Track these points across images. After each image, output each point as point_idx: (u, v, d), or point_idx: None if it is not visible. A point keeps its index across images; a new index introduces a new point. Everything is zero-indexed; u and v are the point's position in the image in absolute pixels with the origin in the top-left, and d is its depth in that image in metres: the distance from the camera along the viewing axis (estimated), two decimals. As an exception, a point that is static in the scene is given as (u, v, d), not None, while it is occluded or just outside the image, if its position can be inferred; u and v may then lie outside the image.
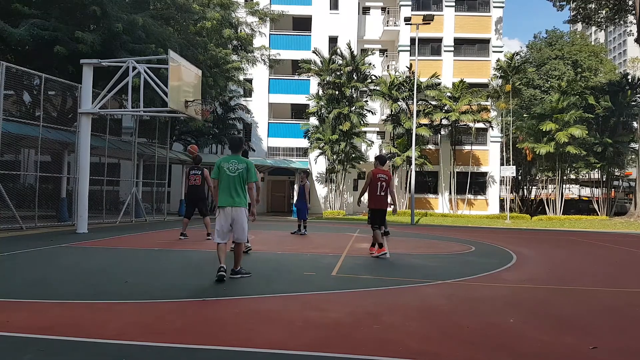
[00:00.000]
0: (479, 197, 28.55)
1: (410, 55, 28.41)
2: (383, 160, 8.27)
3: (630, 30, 32.66)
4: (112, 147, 15.08)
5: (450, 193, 28.03)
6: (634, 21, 27.79)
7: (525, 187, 37.05)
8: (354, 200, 29.29)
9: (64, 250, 8.04)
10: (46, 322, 3.64)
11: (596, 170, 30.58)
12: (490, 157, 28.64)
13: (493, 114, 28.16)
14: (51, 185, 14.17)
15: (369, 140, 26.67)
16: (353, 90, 25.33)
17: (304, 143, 27.03)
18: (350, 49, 25.26)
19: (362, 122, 25.30)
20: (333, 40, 28.20)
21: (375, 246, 8.06)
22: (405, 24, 23.97)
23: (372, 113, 26.36)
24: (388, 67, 30.27)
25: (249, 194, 5.54)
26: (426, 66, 27.40)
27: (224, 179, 5.44)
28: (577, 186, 40.83)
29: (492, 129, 28.11)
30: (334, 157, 25.31)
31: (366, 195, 8.14)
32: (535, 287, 5.73)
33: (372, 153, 29.31)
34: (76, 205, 12.20)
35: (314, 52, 26.06)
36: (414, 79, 23.20)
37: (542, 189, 33.92)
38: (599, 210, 30.53)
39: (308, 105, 26.88)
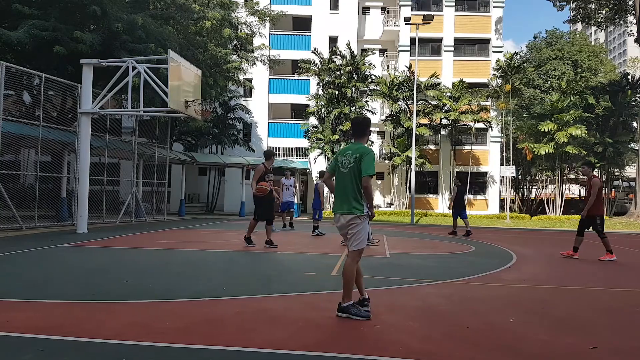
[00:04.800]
0: (478, 197, 28.54)
1: (410, 55, 28.41)
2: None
3: (631, 30, 32.66)
4: (112, 147, 15.07)
5: (450, 193, 28.02)
6: (634, 21, 27.78)
7: (525, 187, 37.07)
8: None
9: (64, 250, 8.04)
10: (46, 322, 3.64)
11: (596, 170, 30.59)
12: (490, 157, 28.64)
13: (493, 114, 28.16)
14: (51, 185, 14.17)
15: (369, 140, 26.65)
16: (353, 90, 25.32)
17: (304, 143, 27.01)
18: (350, 49, 25.25)
19: (362, 122, 25.27)
20: (333, 40, 28.20)
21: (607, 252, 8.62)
22: (405, 24, 23.98)
23: (372, 113, 26.35)
24: (388, 67, 30.27)
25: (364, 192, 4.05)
26: (426, 66, 27.39)
27: (337, 177, 4.23)
28: (577, 186, 40.83)
29: (492, 129, 28.11)
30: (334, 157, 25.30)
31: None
32: (535, 287, 5.73)
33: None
34: (76, 205, 12.19)
35: (313, 52, 26.06)
36: (414, 79, 23.20)
37: (542, 189, 33.93)
38: (599, 210, 30.49)
39: (308, 105, 26.88)
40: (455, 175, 27.66)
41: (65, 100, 14.94)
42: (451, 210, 14.35)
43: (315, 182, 12.96)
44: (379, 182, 30.34)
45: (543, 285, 5.89)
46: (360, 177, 3.99)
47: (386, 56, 31.10)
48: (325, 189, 13.49)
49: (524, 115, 31.74)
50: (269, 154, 8.91)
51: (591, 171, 8.64)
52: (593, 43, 48.92)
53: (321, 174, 13.41)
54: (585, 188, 8.83)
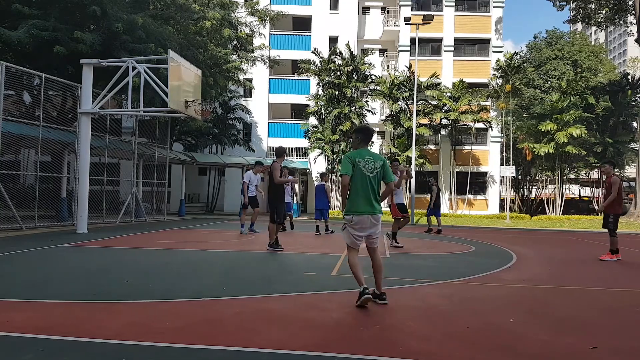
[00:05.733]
0: (478, 197, 28.54)
1: (410, 55, 28.42)
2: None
3: (630, 31, 32.63)
4: (112, 147, 15.07)
5: (450, 193, 28.03)
6: (634, 21, 27.76)
7: (525, 187, 37.08)
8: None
9: (64, 250, 8.04)
10: (46, 322, 3.64)
11: (596, 170, 30.60)
12: (490, 157, 28.64)
13: (493, 114, 28.16)
14: (51, 185, 14.17)
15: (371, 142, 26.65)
16: (353, 90, 25.33)
17: (304, 143, 27.02)
18: (350, 49, 25.26)
19: (362, 122, 25.30)
20: (333, 40, 28.21)
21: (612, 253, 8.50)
22: (405, 24, 23.98)
23: (372, 113, 26.37)
24: (388, 67, 30.28)
25: (382, 193, 4.62)
26: (426, 66, 27.40)
27: (360, 180, 4.41)
28: (577, 186, 40.85)
29: (492, 129, 28.11)
30: (334, 157, 25.33)
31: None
32: (535, 287, 5.73)
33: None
34: (76, 205, 12.20)
35: (313, 52, 26.07)
36: (414, 79, 23.21)
37: (542, 189, 33.94)
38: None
39: (308, 105, 26.89)
40: (455, 175, 27.68)
41: (65, 100, 14.95)
42: (428, 210, 15.31)
43: (320, 182, 12.97)
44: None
45: (543, 285, 5.89)
46: (381, 182, 4.51)
47: (386, 56, 31.10)
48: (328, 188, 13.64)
49: (524, 115, 31.75)
50: (281, 151, 8.82)
51: (612, 169, 8.54)
52: (593, 43, 48.90)
53: (321, 174, 13.45)
54: (605, 187, 8.73)
